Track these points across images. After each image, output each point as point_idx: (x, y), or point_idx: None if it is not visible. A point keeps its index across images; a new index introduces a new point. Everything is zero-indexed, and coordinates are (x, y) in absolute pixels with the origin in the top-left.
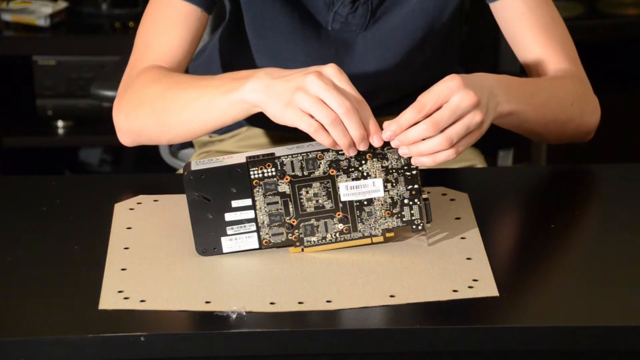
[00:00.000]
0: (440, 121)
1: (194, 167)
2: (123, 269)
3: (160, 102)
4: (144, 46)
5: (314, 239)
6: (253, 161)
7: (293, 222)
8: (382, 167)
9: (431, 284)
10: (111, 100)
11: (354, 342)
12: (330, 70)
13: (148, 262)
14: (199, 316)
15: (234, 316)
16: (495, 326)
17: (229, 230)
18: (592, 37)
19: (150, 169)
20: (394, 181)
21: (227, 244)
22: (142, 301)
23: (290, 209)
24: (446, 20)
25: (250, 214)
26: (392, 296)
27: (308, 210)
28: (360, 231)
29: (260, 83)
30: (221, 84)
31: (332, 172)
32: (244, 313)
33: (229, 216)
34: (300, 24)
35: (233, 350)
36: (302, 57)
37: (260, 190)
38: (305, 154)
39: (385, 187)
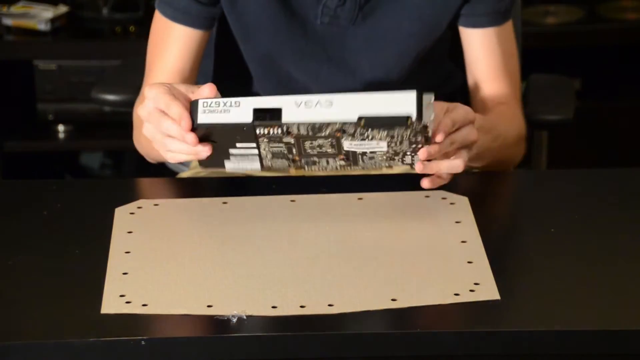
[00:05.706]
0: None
1: (200, 116)
2: (124, 273)
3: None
4: (148, 66)
5: (315, 167)
6: (260, 124)
7: (296, 158)
8: (388, 134)
9: (432, 287)
10: (112, 104)
11: (355, 345)
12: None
13: (149, 266)
14: (200, 320)
15: (234, 320)
16: (497, 330)
17: (232, 157)
18: (591, 41)
19: (150, 173)
20: (397, 142)
21: (229, 165)
22: (144, 305)
23: (294, 150)
24: (443, 29)
25: (254, 151)
26: (393, 300)
27: (311, 152)
28: (360, 165)
29: None
30: None
31: (338, 134)
32: (245, 317)
33: (233, 151)
34: (285, 22)
35: (234, 355)
36: (289, 55)
37: (265, 139)
38: (312, 124)
39: (388, 145)
